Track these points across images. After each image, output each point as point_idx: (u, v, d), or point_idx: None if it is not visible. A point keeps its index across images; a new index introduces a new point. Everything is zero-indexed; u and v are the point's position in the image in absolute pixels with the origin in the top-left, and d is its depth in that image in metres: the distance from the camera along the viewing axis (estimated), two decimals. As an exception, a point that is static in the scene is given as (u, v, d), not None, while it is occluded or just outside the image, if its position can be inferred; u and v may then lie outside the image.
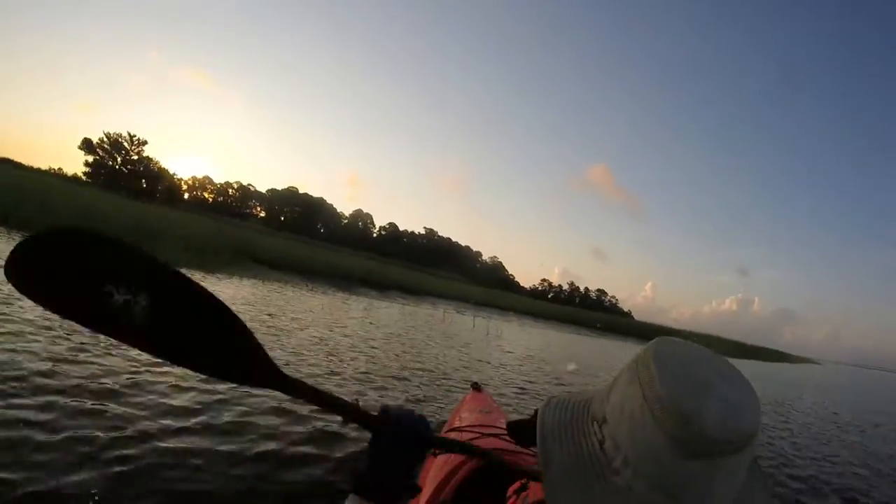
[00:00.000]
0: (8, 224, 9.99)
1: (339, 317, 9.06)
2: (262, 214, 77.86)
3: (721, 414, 0.39)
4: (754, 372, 17.61)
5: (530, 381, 6.43)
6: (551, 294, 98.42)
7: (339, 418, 0.69)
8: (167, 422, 2.57)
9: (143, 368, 3.36)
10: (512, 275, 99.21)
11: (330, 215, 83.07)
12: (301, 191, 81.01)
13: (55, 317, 4.15)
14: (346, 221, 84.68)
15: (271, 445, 2.56)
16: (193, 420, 2.66)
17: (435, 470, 1.26)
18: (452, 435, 1.43)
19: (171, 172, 59.68)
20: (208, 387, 3.21)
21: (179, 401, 2.90)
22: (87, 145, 49.22)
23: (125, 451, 2.20)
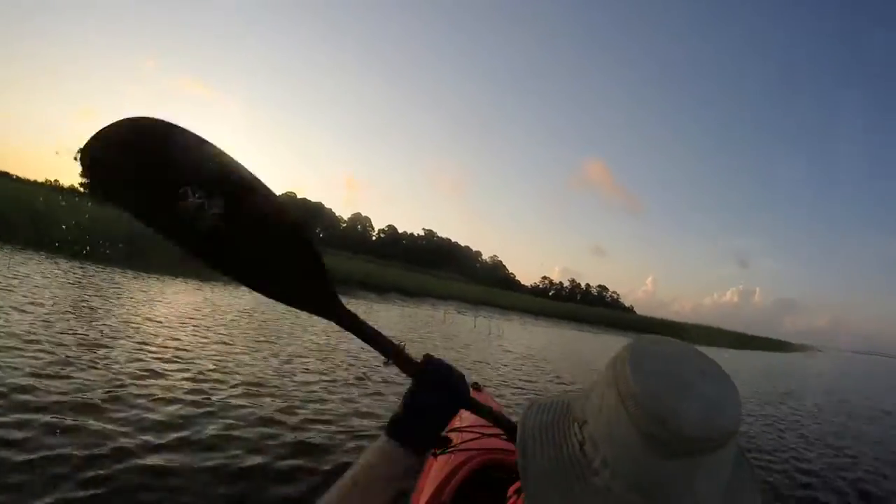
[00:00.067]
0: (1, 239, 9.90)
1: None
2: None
3: (698, 412, 0.38)
4: (755, 363, 17.53)
5: (531, 381, 6.34)
6: (552, 291, 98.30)
7: (386, 361, 0.66)
8: (148, 437, 2.46)
9: (128, 381, 3.26)
10: (512, 273, 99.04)
11: (329, 220, 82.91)
12: (299, 195, 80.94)
13: (41, 330, 4.09)
14: (344, 225, 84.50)
15: (256, 460, 2.45)
16: (175, 435, 2.55)
17: (435, 470, 1.25)
18: (452, 435, 1.43)
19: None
20: (193, 398, 3.12)
21: (162, 415, 2.79)
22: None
23: (101, 471, 2.10)
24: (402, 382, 4.62)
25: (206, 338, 5.11)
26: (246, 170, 0.62)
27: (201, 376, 3.69)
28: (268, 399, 3.43)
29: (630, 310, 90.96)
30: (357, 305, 13.18)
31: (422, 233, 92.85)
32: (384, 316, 11.96)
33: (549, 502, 0.43)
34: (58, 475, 2.03)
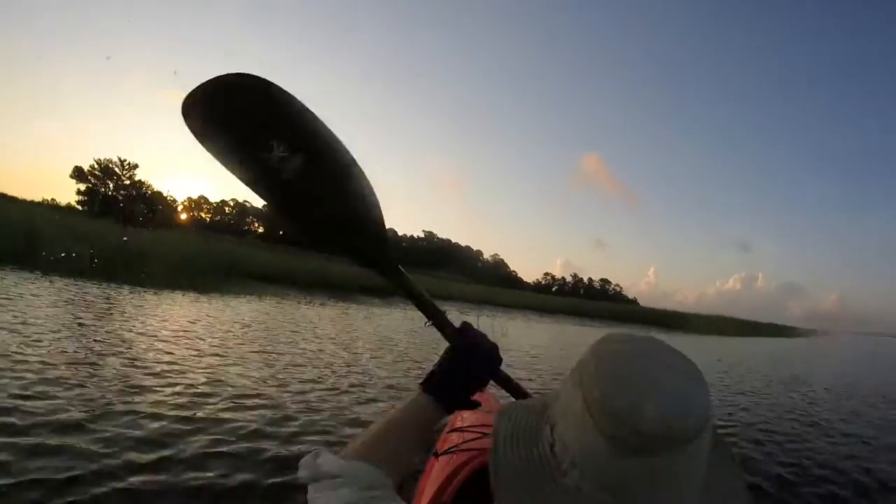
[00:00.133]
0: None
1: (337, 327, 8.87)
2: (261, 230, 77.84)
3: (658, 411, 0.38)
4: (760, 350, 17.39)
5: (532, 379, 6.23)
6: (555, 287, 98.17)
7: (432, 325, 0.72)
8: (130, 457, 2.35)
9: (115, 399, 3.17)
10: (514, 271, 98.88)
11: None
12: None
13: (29, 350, 3.99)
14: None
15: (243, 477, 2.34)
16: (160, 453, 2.45)
17: (436, 471, 1.24)
18: (454, 435, 1.45)
19: (166, 194, 59.69)
20: (179, 414, 3.02)
21: (146, 431, 2.69)
22: (78, 173, 49.17)
23: (78, 497, 2.00)
24: (399, 386, 4.52)
25: (199, 350, 5.01)
26: (329, 134, 0.69)
27: (192, 390, 3.60)
28: (260, 411, 3.33)
29: (634, 302, 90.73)
30: (358, 310, 13.10)
31: (422, 234, 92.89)
32: (386, 320, 11.85)
33: (521, 501, 0.44)
34: (32, 501, 1.93)
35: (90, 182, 49.48)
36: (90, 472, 2.18)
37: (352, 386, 4.42)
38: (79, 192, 49.37)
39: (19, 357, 3.79)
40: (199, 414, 3.08)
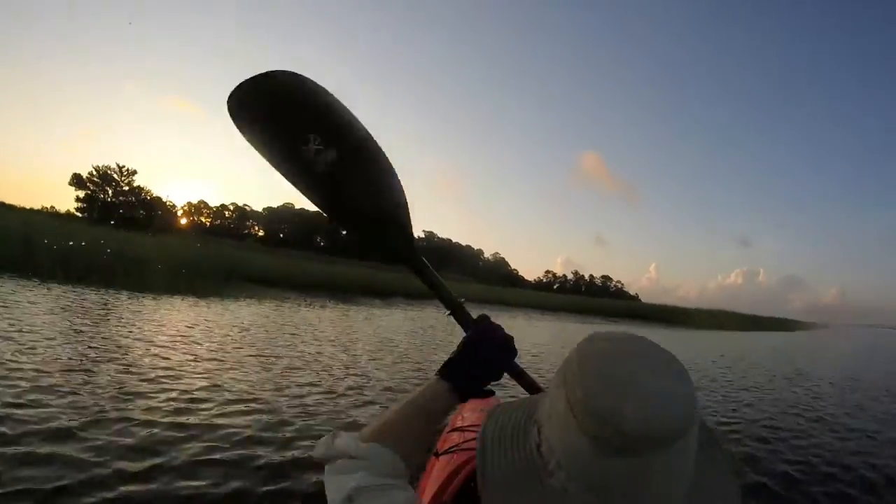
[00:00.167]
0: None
1: (337, 329, 8.81)
2: (261, 233, 77.83)
3: (639, 411, 0.38)
4: (763, 344, 17.31)
5: (539, 379, 6.17)
6: (556, 285, 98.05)
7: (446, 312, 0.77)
8: (121, 465, 2.31)
9: (108, 406, 3.12)
10: (515, 269, 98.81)
11: (327, 228, 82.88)
12: (297, 206, 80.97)
13: (23, 357, 3.95)
14: (344, 233, 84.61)
15: (236, 484, 2.29)
16: (151, 461, 2.40)
17: (437, 470, 1.23)
18: (454, 434, 1.45)
19: (166, 199, 59.62)
20: (172, 420, 2.97)
21: (138, 439, 2.65)
22: (76, 180, 49.18)
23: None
24: (398, 388, 4.47)
25: (195, 355, 4.96)
26: (363, 132, 0.71)
27: (187, 396, 3.54)
28: (255, 416, 3.28)
29: (635, 298, 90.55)
30: (359, 312, 13.06)
31: (422, 235, 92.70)
32: (387, 321, 11.80)
33: (507, 502, 0.43)
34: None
35: (89, 189, 49.51)
36: (79, 481, 2.13)
37: (349, 389, 4.37)
38: (78, 199, 49.42)
39: (13, 365, 3.74)
40: (194, 420, 3.03)
